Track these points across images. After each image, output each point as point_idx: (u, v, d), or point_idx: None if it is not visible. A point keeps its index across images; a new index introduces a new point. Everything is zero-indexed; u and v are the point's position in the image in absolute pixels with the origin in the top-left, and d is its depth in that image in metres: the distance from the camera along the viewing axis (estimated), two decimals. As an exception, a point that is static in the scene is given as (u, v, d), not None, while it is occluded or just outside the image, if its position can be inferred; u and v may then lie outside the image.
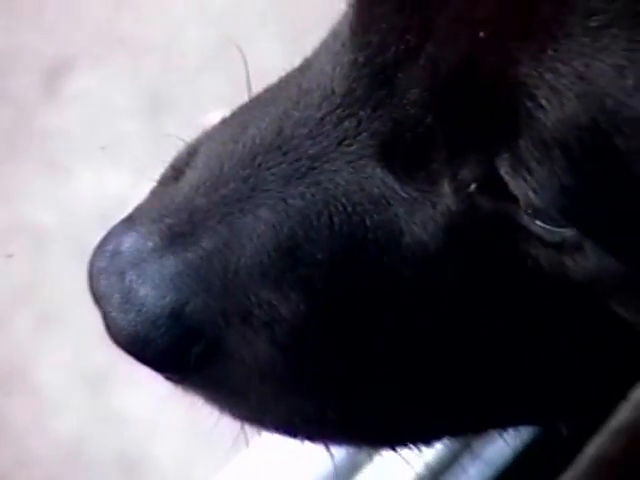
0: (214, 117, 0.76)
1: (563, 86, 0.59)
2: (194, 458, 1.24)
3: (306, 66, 0.69)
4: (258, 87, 0.75)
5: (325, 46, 0.69)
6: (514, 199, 0.63)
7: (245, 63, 0.79)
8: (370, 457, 0.95)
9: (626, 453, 1.01)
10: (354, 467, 0.97)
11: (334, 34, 0.68)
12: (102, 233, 0.74)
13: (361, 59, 0.65)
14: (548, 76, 0.59)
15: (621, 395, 0.79)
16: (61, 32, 1.50)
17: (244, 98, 0.79)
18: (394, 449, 0.76)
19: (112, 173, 1.39)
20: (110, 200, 1.34)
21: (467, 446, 0.95)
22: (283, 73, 0.72)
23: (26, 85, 1.47)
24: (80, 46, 1.49)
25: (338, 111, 0.66)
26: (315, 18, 0.71)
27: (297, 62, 0.72)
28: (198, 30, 1.51)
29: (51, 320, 1.34)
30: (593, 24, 0.57)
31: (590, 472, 1.00)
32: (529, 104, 0.59)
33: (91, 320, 0.71)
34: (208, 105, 1.37)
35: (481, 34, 0.60)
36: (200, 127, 0.79)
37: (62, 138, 1.44)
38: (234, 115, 0.72)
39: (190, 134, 0.77)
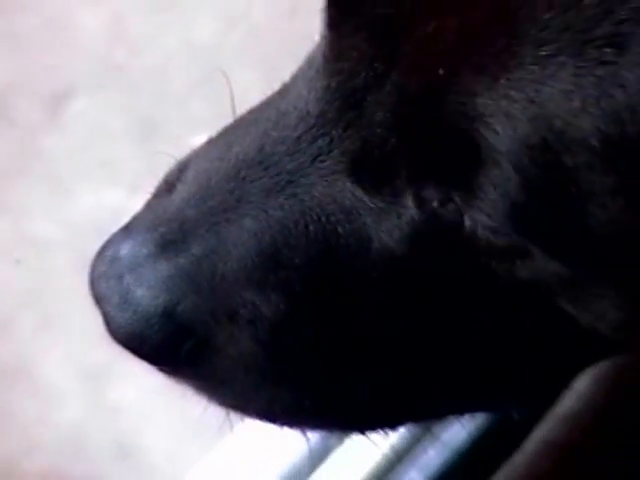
0: (201, 138, 0.77)
1: (516, 111, 0.58)
2: (183, 443, 1.23)
3: (284, 90, 0.69)
4: (241, 110, 0.75)
5: (301, 73, 0.68)
6: (474, 213, 0.63)
7: (230, 89, 0.79)
8: (341, 440, 0.95)
9: (569, 437, 1.01)
10: (327, 449, 0.96)
11: (309, 62, 0.68)
12: (99, 242, 0.73)
13: (333, 84, 0.65)
14: (502, 103, 0.58)
15: (565, 384, 0.79)
16: (62, 62, 1.51)
17: (228, 120, 0.79)
18: (363, 433, 0.76)
19: (108, 188, 1.38)
20: (107, 212, 1.33)
21: (428, 429, 0.94)
22: (263, 97, 0.71)
23: (31, 110, 1.47)
24: (79, 75, 1.49)
25: (313, 131, 0.66)
26: (291, 48, 0.70)
27: (276, 87, 0.71)
28: (186, 60, 1.51)
29: (54, 320, 1.33)
30: (543, 53, 0.57)
31: (536, 455, 1.00)
32: (485, 132, 0.59)
33: (90, 321, 0.70)
34: (195, 127, 1.36)
35: (440, 69, 0.60)
36: (188, 146, 0.79)
37: (63, 157, 1.44)
38: (220, 135, 0.72)
39: (179, 152, 0.76)
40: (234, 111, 0.75)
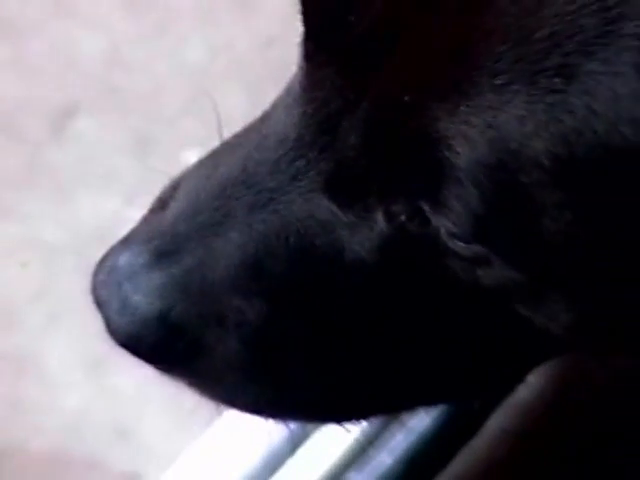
0: (191, 153, 0.76)
1: (475, 134, 0.59)
2: (177, 427, 1.22)
3: (265, 116, 0.69)
4: (227, 129, 0.74)
5: (280, 100, 0.69)
6: (438, 225, 0.63)
7: (216, 111, 0.78)
8: (318, 426, 0.95)
9: (522, 425, 1.00)
10: (305, 434, 0.96)
11: (287, 90, 0.68)
12: (99, 245, 0.72)
13: (309, 111, 0.65)
14: (462, 127, 0.59)
15: (521, 378, 0.79)
16: (65, 84, 1.51)
17: (215, 138, 0.79)
18: (339, 423, 0.76)
19: (107, 197, 1.38)
20: (106, 219, 1.34)
21: (396, 417, 0.94)
22: (248, 120, 0.71)
23: (36, 127, 1.48)
24: (81, 95, 1.49)
25: (291, 153, 0.66)
26: (274, 76, 0.70)
27: (259, 111, 0.71)
28: (176, 83, 1.51)
29: (59, 317, 1.32)
30: (498, 82, 0.58)
31: (492, 440, 0.99)
32: (447, 153, 0.59)
33: (91, 317, 0.70)
34: (185, 143, 1.36)
35: (406, 98, 0.60)
36: (179, 160, 0.78)
37: (66, 170, 1.44)
38: (208, 156, 0.72)
39: (171, 166, 0.76)
40: (220, 131, 0.75)
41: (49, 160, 1.46)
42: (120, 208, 1.38)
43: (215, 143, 0.79)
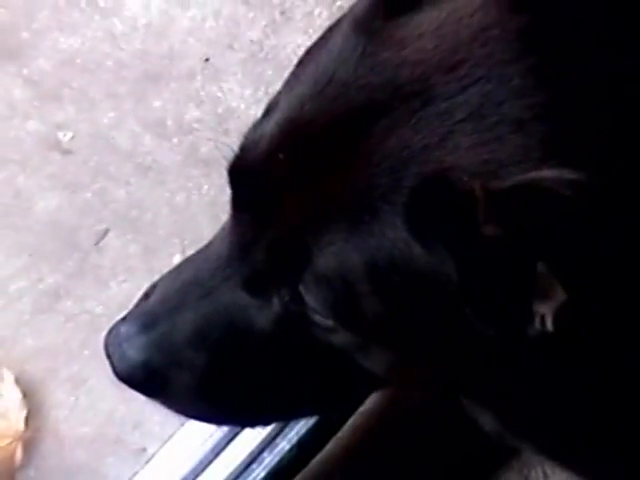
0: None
1: (324, 253, 0.67)
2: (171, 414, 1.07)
3: (209, 243, 0.79)
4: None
5: (218, 233, 0.78)
6: (307, 305, 0.70)
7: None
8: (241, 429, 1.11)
9: (367, 428, 1.18)
10: (235, 431, 1.15)
11: (222, 227, 0.77)
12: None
13: (234, 239, 0.74)
14: (317, 249, 0.67)
15: (363, 399, 0.92)
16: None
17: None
18: (253, 427, 0.90)
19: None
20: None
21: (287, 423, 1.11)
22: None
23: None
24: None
25: (223, 265, 0.75)
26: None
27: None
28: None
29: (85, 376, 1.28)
30: (336, 223, 0.66)
31: (347, 438, 1.17)
32: (312, 261, 0.67)
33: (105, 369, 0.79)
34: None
35: (289, 232, 0.68)
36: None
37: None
38: (175, 267, 0.81)
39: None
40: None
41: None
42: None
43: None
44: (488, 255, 0.61)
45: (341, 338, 0.71)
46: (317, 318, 0.71)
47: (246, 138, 0.71)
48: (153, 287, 0.80)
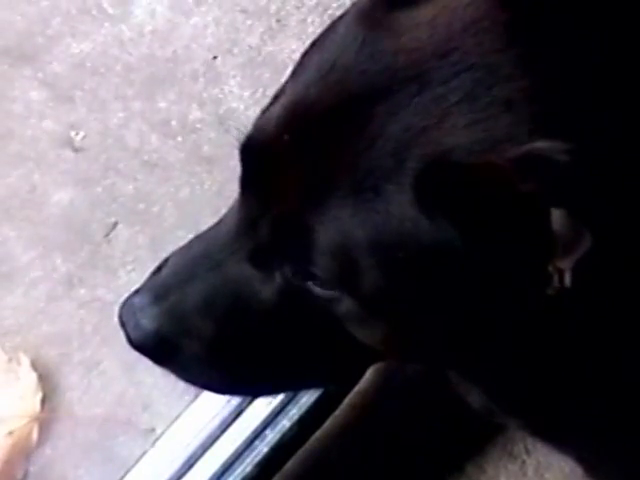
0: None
1: (328, 227, 0.67)
2: (179, 395, 1.20)
3: (220, 220, 0.78)
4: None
5: (228, 211, 0.78)
6: (311, 278, 0.70)
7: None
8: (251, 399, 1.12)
9: (363, 401, 1.18)
10: (245, 402, 1.15)
11: (232, 206, 0.77)
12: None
13: (242, 216, 0.75)
14: (320, 223, 0.67)
15: (361, 374, 0.89)
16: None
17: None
18: (258, 397, 0.95)
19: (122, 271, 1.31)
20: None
21: (293, 395, 1.12)
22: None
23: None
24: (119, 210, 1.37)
25: (231, 239, 0.75)
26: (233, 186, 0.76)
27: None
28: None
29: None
30: (340, 197, 0.66)
31: (345, 410, 1.18)
32: (314, 236, 0.68)
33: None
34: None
35: (291, 208, 0.69)
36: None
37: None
38: (187, 243, 0.81)
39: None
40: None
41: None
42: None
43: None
44: (505, 221, 0.63)
45: (341, 309, 0.72)
46: (317, 290, 0.71)
47: (256, 121, 0.73)
48: (165, 261, 0.81)
